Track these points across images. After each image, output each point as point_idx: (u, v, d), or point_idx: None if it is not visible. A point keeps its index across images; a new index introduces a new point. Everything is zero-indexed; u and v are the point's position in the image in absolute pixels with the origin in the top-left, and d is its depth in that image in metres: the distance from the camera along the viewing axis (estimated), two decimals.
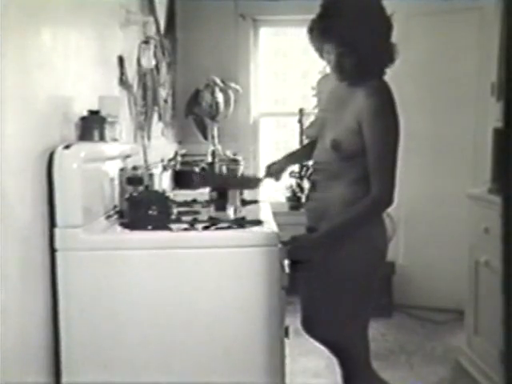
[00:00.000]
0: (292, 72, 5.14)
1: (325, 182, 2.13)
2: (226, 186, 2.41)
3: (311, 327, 2.21)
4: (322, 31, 2.03)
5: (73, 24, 2.08)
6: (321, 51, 2.09)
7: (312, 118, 4.44)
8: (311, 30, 2.07)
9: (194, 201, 2.76)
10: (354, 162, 2.05)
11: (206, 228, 2.04)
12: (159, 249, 1.93)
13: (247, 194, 2.74)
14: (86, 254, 1.88)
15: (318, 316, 2.18)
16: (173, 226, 2.06)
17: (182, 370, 1.93)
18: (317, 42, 2.07)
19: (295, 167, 4.58)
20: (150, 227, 2.02)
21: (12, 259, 1.62)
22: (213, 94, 4.25)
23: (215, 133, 4.27)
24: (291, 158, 2.47)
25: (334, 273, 2.07)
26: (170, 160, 3.55)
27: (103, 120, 2.09)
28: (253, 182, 2.57)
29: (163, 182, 3.01)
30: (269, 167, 2.40)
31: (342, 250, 2.04)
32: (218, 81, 4.28)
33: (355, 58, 2.01)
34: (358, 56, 2.00)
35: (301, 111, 4.62)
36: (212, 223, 2.10)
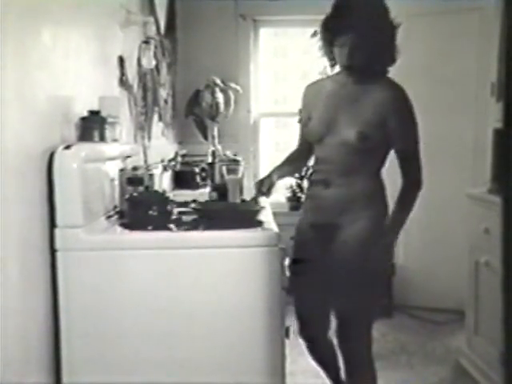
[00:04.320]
0: (292, 72, 5.14)
1: (340, 178, 2.18)
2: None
3: (317, 327, 2.28)
4: (341, 22, 2.12)
5: (73, 24, 2.08)
6: (331, 45, 2.18)
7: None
8: (326, 24, 2.20)
9: (194, 201, 2.75)
10: (374, 154, 2.18)
11: (195, 221, 2.05)
12: (159, 249, 1.93)
13: (247, 194, 2.73)
14: (87, 254, 1.89)
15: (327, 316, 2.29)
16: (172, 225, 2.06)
17: (182, 370, 1.93)
18: (333, 34, 2.15)
19: None
20: (150, 227, 2.02)
21: (12, 259, 1.62)
22: (213, 94, 4.25)
23: (215, 133, 4.27)
24: (280, 171, 2.36)
25: (350, 267, 2.14)
26: (170, 160, 3.54)
27: (103, 120, 2.09)
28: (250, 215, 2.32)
29: (163, 182, 3.01)
30: (259, 184, 2.29)
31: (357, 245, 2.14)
32: (218, 81, 4.27)
33: (366, 53, 2.11)
34: (369, 51, 2.11)
35: (301, 111, 4.61)
36: (200, 215, 2.12)
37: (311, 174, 2.39)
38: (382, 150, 2.19)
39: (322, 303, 2.28)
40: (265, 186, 2.29)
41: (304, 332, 2.34)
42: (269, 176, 2.31)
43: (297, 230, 2.36)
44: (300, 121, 2.43)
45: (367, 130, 2.13)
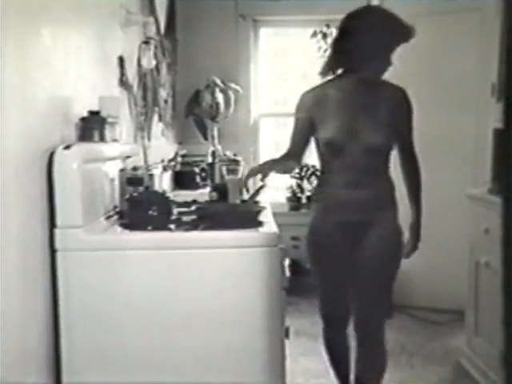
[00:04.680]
0: (292, 72, 5.14)
1: (366, 179, 2.26)
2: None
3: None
4: (361, 51, 2.18)
5: (73, 24, 2.08)
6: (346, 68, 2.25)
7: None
8: (343, 51, 2.23)
9: (194, 201, 2.76)
10: (387, 154, 2.30)
11: (195, 221, 2.05)
12: (159, 249, 1.93)
13: (247, 195, 2.73)
14: (86, 254, 1.88)
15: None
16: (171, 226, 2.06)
17: (182, 370, 1.93)
18: (354, 62, 2.20)
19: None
20: (150, 228, 2.02)
21: (12, 259, 1.62)
22: (213, 94, 4.25)
23: (215, 133, 4.27)
24: (274, 165, 2.30)
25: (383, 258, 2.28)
26: (170, 160, 3.54)
27: (103, 120, 2.09)
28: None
29: (163, 182, 3.01)
30: (246, 177, 2.27)
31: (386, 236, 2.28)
32: (218, 81, 4.27)
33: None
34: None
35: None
36: (200, 215, 2.12)
37: (322, 174, 2.38)
38: (390, 152, 2.32)
39: (346, 300, 2.36)
40: (255, 170, 2.26)
41: (327, 328, 2.44)
42: (263, 166, 2.26)
43: (316, 230, 2.36)
44: (296, 125, 2.39)
45: (389, 132, 2.24)
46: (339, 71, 2.30)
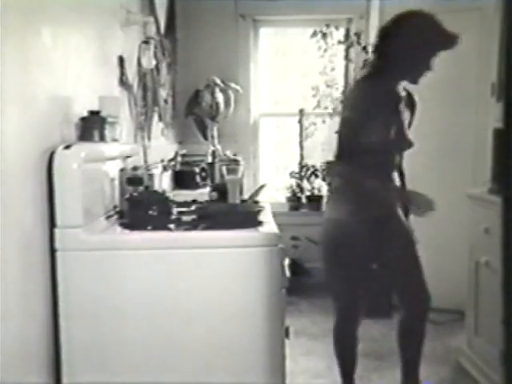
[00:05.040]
0: (292, 72, 5.14)
1: (394, 174, 2.45)
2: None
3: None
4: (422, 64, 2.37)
5: (73, 24, 2.08)
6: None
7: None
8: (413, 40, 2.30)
9: (194, 201, 2.76)
10: None
11: (195, 221, 2.05)
12: (159, 249, 1.93)
13: (247, 195, 2.74)
14: (86, 254, 1.88)
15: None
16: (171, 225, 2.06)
17: (182, 370, 1.93)
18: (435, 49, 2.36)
19: (295, 167, 4.61)
20: (149, 227, 2.02)
21: (12, 259, 1.62)
22: (213, 94, 4.25)
23: (215, 133, 4.27)
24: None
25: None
26: (170, 160, 3.54)
27: (103, 120, 2.09)
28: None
29: (163, 182, 3.01)
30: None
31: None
32: (218, 81, 4.28)
33: None
34: None
35: (301, 111, 4.62)
36: (200, 215, 2.13)
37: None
38: None
39: (361, 295, 2.47)
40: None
41: (339, 323, 2.51)
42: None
43: (341, 231, 2.37)
44: (350, 125, 2.31)
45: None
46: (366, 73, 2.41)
